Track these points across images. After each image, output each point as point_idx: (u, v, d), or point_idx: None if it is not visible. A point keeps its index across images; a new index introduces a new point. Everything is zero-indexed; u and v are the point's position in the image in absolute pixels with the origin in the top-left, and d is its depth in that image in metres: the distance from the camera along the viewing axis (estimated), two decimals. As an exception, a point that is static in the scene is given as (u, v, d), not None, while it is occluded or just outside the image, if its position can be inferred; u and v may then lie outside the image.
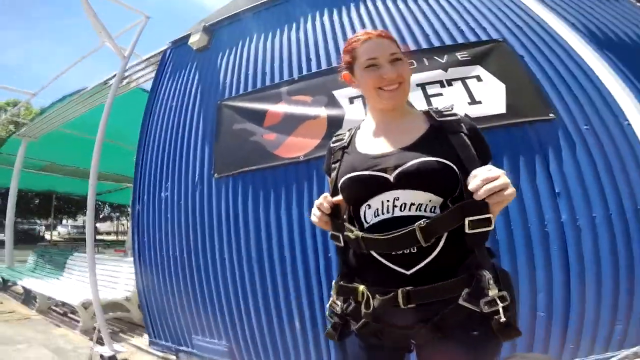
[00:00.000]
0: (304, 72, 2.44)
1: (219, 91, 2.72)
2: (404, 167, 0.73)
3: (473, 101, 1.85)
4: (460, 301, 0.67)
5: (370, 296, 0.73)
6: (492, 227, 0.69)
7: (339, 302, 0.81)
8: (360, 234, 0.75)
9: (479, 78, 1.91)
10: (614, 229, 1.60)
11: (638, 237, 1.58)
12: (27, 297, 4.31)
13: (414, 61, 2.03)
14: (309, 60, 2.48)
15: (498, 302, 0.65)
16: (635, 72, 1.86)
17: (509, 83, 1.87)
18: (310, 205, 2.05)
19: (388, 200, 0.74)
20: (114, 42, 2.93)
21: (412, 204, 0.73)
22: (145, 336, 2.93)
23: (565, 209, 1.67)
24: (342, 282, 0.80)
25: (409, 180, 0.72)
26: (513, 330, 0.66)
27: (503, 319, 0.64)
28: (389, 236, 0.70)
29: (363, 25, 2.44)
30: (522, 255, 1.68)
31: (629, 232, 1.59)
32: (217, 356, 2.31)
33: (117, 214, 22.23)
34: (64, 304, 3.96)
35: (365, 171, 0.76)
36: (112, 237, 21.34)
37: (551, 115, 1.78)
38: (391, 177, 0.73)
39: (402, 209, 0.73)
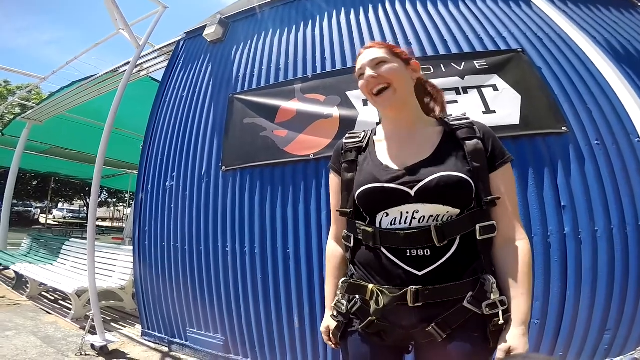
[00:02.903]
0: (319, 71, 2.43)
1: (231, 84, 2.71)
2: (424, 182, 0.75)
3: (487, 110, 1.84)
4: (465, 303, 0.71)
5: (379, 293, 0.74)
6: (496, 234, 0.76)
7: (344, 302, 0.82)
8: (378, 228, 0.78)
9: (495, 87, 1.90)
10: (614, 243, 1.63)
11: (636, 251, 1.61)
12: (19, 283, 4.25)
13: (423, 66, 1.93)
14: (323, 59, 2.48)
15: (498, 305, 0.70)
16: (653, 89, 1.84)
17: (525, 94, 1.86)
18: (318, 204, 2.08)
19: (407, 212, 0.76)
20: (130, 31, 2.92)
21: (431, 216, 0.75)
22: (137, 326, 2.90)
23: (569, 222, 1.69)
24: (351, 281, 0.82)
25: (429, 195, 0.74)
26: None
27: (501, 322, 0.69)
28: (406, 232, 0.74)
29: (380, 28, 2.43)
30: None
31: (627, 247, 1.62)
32: (212, 349, 2.30)
33: (114, 199, 22.04)
34: (55, 291, 3.91)
35: (388, 183, 0.77)
36: (108, 224, 21.15)
37: (564, 129, 1.78)
38: (412, 192, 0.75)
39: (421, 221, 0.75)
